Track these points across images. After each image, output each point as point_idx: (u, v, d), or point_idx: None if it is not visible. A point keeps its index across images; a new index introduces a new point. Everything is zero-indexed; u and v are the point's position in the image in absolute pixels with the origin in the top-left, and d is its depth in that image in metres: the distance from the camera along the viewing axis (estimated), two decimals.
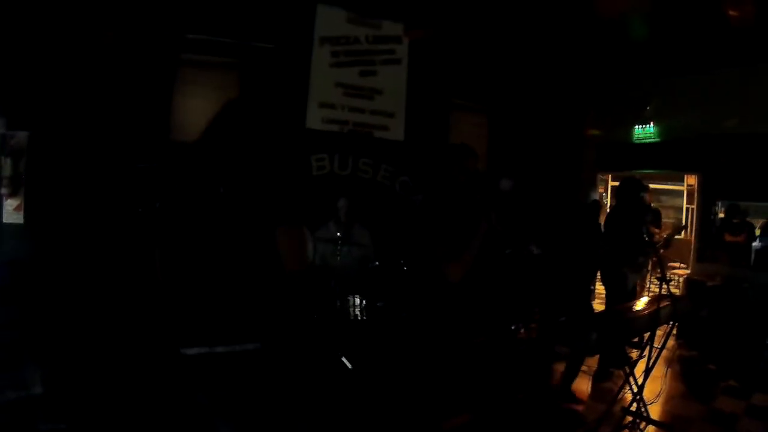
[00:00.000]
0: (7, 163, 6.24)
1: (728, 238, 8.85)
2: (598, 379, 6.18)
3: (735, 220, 8.87)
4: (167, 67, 7.13)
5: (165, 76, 7.09)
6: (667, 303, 4.66)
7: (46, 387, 4.67)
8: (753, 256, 8.61)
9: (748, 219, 8.99)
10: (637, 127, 10.09)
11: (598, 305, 9.15)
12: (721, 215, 9.23)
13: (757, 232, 8.81)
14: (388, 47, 8.35)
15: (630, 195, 6.40)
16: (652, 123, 9.89)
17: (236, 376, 2.85)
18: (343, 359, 5.79)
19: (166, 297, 3.17)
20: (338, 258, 6.39)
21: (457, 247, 3.58)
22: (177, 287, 3.12)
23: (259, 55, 7.57)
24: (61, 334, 5.26)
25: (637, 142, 10.14)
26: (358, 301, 6.23)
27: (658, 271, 4.87)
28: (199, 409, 2.91)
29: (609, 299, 6.72)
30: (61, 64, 6.41)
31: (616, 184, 13.55)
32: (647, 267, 6.43)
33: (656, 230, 8.68)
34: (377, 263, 6.40)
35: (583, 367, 6.15)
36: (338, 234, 6.47)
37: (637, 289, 6.77)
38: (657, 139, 9.88)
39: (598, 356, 6.40)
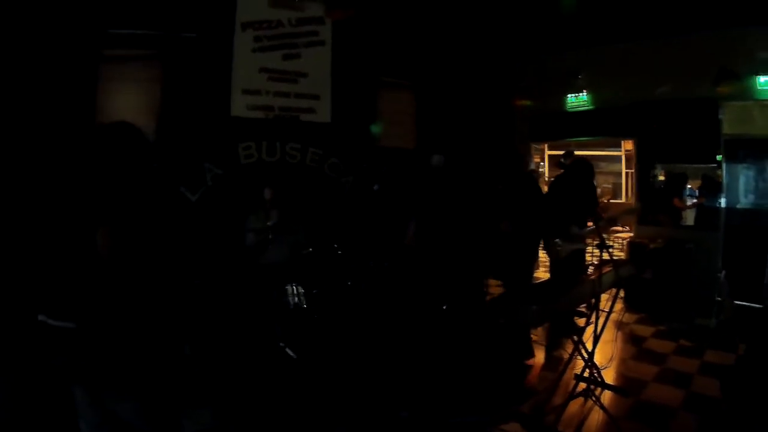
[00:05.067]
0: None
1: (678, 203, 8.85)
2: (548, 349, 6.11)
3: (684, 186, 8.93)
4: (89, 64, 6.75)
5: (88, 74, 6.71)
6: (609, 269, 4.62)
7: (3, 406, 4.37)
8: (695, 216, 8.68)
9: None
10: (570, 95, 10.04)
11: (544, 274, 9.16)
12: (662, 177, 9.25)
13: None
14: (311, 29, 8.12)
15: (581, 174, 6.67)
16: (584, 91, 9.86)
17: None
18: (287, 350, 5.63)
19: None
20: (270, 247, 6.18)
21: None
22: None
23: (181, 45, 7.26)
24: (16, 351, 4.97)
25: (571, 110, 10.10)
26: (295, 289, 6.06)
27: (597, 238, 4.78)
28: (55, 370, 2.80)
29: (551, 265, 6.72)
30: None
31: (554, 153, 13.72)
32: (585, 237, 6.40)
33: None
34: (310, 249, 6.20)
35: (534, 338, 6.08)
36: (268, 223, 6.24)
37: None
38: (591, 107, 9.86)
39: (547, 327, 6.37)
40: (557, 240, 6.30)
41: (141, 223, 2.82)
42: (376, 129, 8.58)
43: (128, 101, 7.03)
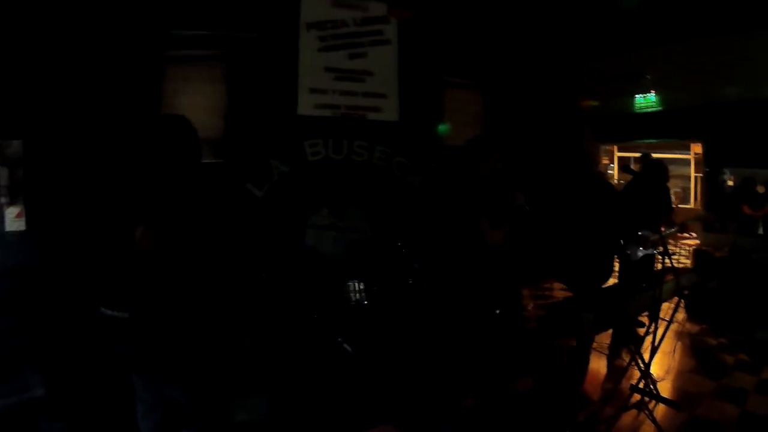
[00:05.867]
0: (5, 172, 6.23)
1: (747, 210, 8.59)
2: (610, 357, 6.07)
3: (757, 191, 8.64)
4: (154, 65, 7.03)
5: (152, 75, 7.00)
6: (671, 278, 4.59)
7: (48, 389, 4.79)
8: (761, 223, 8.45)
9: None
10: (637, 96, 9.88)
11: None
12: (731, 183, 9.02)
13: None
14: (376, 28, 8.17)
15: (655, 177, 6.54)
16: (652, 91, 9.69)
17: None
18: (345, 345, 5.76)
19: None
20: (333, 243, 6.30)
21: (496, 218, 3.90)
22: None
23: (245, 45, 7.46)
24: (63, 338, 5.26)
25: (639, 111, 9.93)
26: (357, 286, 6.16)
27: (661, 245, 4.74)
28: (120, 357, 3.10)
29: (620, 271, 6.64)
30: (50, 72, 6.34)
31: (623, 155, 13.49)
32: (657, 242, 6.25)
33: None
34: (374, 247, 6.29)
35: (594, 345, 6.03)
36: (332, 220, 6.37)
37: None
38: (658, 108, 9.68)
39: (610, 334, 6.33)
40: (629, 244, 6.21)
41: (185, 219, 2.93)
42: (442, 128, 8.58)
43: (194, 101, 7.27)
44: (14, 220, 6.30)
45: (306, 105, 7.76)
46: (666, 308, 4.63)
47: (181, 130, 3.08)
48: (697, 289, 6.98)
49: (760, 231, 8.65)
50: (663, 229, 6.10)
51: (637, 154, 11.41)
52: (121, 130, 6.35)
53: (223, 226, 3.16)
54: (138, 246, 2.82)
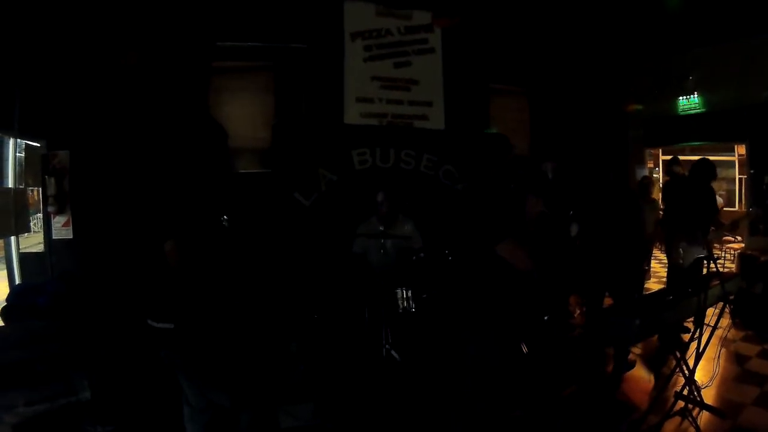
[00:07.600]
0: (51, 182, 6.49)
1: None
2: (655, 364, 6.09)
3: None
4: (201, 76, 7.27)
5: (200, 86, 7.23)
6: (716, 283, 4.56)
7: (95, 393, 4.90)
8: None
9: None
10: (681, 98, 9.83)
11: (655, 285, 8.98)
12: None
13: None
14: (421, 37, 8.30)
15: (704, 177, 6.49)
16: (695, 93, 9.63)
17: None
18: (393, 352, 5.86)
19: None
20: (382, 252, 6.39)
21: (515, 234, 3.55)
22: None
23: (291, 55, 7.67)
24: (109, 343, 5.45)
25: (683, 114, 9.88)
26: (405, 293, 6.19)
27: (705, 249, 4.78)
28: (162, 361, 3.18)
29: (668, 276, 6.61)
30: (98, 84, 6.64)
31: (668, 158, 13.38)
32: (707, 243, 6.19)
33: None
34: (422, 255, 6.37)
35: (637, 351, 6.04)
36: (381, 228, 6.46)
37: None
38: (702, 110, 9.62)
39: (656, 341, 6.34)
40: (682, 244, 6.20)
41: (212, 232, 3.05)
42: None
43: (241, 111, 7.54)
44: (61, 228, 6.61)
45: (353, 114, 7.95)
46: (711, 314, 4.65)
47: (207, 125, 3.22)
48: (742, 294, 6.95)
49: None
50: (712, 230, 6.13)
51: (684, 158, 11.32)
52: (167, 142, 6.60)
53: (255, 236, 3.27)
54: (167, 259, 3.00)
